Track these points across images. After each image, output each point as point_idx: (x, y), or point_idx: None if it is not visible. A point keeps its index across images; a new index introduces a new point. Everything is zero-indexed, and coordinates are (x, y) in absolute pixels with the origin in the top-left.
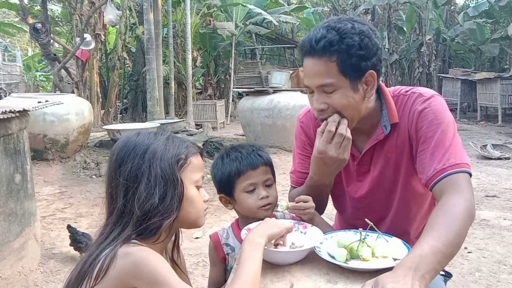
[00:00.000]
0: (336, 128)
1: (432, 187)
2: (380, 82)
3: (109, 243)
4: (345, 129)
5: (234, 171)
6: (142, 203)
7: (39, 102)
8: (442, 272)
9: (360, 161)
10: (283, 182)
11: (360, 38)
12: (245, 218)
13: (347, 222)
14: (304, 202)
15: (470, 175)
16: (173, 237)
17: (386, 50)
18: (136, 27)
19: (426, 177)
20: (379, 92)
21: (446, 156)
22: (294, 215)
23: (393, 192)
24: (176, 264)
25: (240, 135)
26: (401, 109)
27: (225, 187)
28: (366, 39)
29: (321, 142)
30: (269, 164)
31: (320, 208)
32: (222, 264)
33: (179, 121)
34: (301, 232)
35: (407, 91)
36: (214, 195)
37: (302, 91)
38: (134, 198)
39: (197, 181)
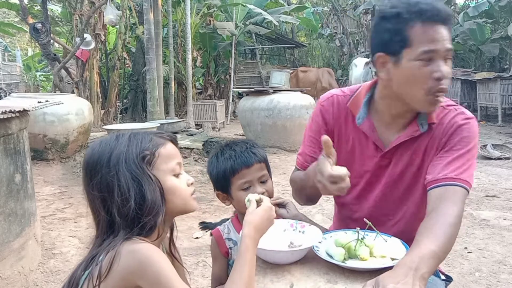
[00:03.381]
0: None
1: (433, 188)
2: None
3: (107, 246)
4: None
5: (229, 170)
6: (119, 210)
7: (39, 102)
8: (442, 277)
9: (383, 155)
10: (283, 182)
11: None
12: (243, 215)
13: (353, 210)
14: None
15: (468, 193)
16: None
17: None
18: (136, 27)
19: (434, 177)
20: None
21: (460, 170)
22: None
23: (408, 195)
24: (174, 257)
25: (240, 135)
26: (439, 118)
27: (221, 185)
28: None
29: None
30: (264, 161)
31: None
32: (224, 259)
33: (179, 121)
34: (300, 231)
35: (448, 105)
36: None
37: (302, 91)
38: (113, 206)
39: (172, 169)
